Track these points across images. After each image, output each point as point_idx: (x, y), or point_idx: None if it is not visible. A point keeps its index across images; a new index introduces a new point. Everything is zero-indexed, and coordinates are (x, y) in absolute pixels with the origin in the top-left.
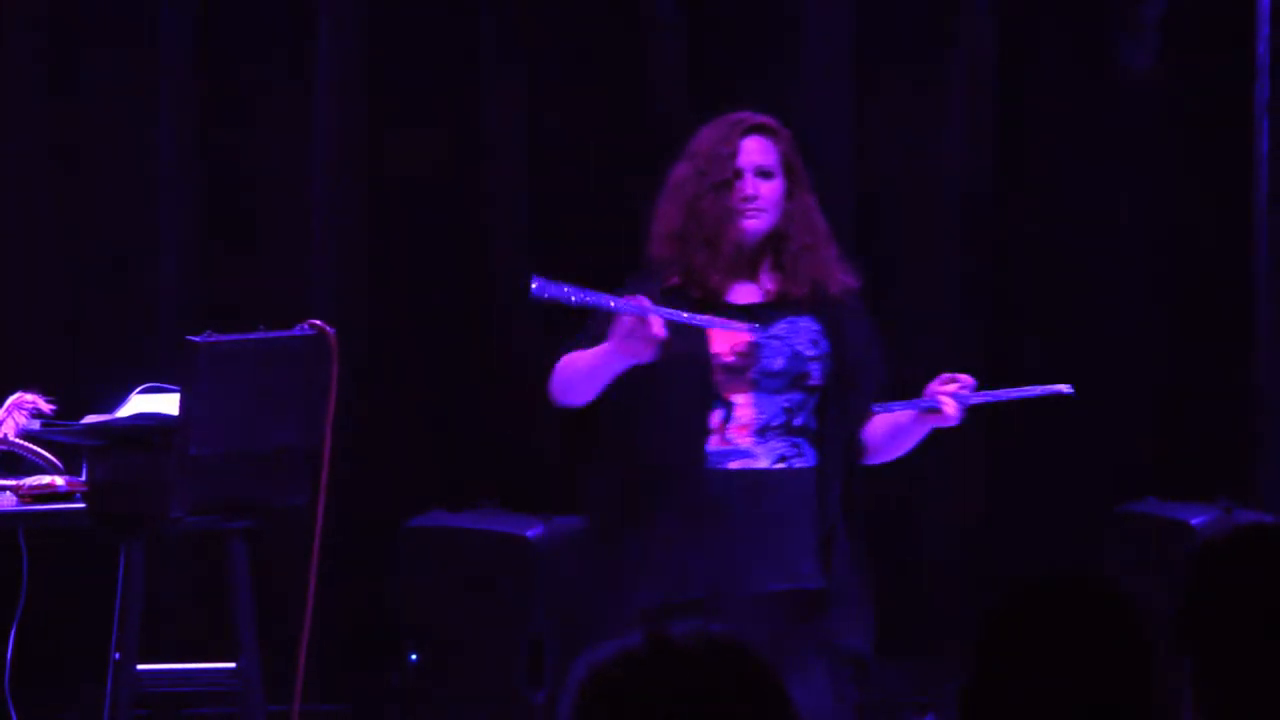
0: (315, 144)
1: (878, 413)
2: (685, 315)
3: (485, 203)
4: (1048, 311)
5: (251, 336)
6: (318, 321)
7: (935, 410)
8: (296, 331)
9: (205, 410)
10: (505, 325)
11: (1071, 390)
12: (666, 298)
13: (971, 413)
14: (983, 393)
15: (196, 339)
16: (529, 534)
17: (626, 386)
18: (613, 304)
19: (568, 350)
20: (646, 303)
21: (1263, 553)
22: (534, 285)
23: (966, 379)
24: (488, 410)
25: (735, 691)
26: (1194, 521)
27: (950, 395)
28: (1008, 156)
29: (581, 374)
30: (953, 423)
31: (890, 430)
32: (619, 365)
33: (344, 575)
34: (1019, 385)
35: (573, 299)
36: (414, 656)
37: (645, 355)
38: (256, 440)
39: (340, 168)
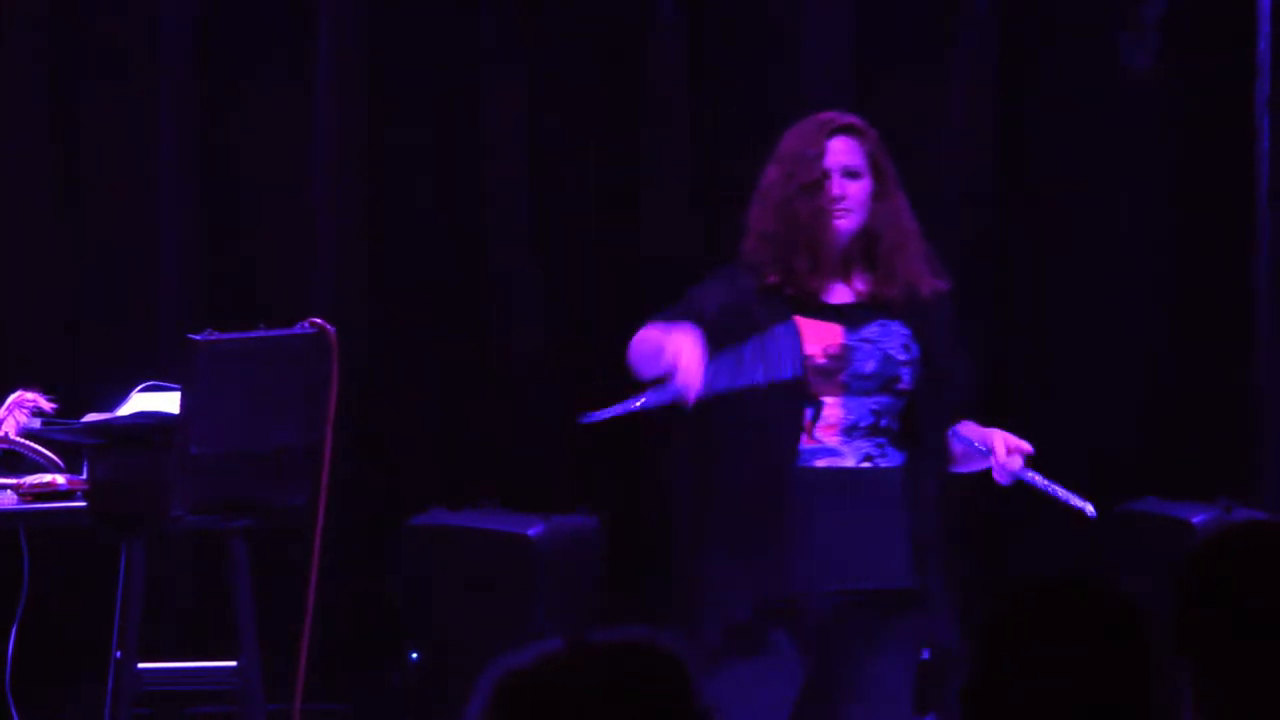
0: (315, 144)
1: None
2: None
3: (485, 202)
4: (1048, 311)
5: (252, 335)
6: (318, 320)
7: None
8: (297, 330)
9: (206, 409)
10: (505, 324)
11: (1094, 514)
12: (763, 295)
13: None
14: (1029, 473)
15: (197, 337)
16: (530, 533)
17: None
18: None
19: (655, 319)
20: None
21: (1258, 550)
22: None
23: (1025, 447)
24: (488, 409)
25: (649, 695)
26: (1194, 520)
27: (1004, 465)
28: (1008, 156)
29: (645, 354)
30: (1003, 483)
31: (964, 450)
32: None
33: (344, 574)
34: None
35: (636, 405)
36: (414, 655)
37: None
38: (257, 439)
39: (340, 168)
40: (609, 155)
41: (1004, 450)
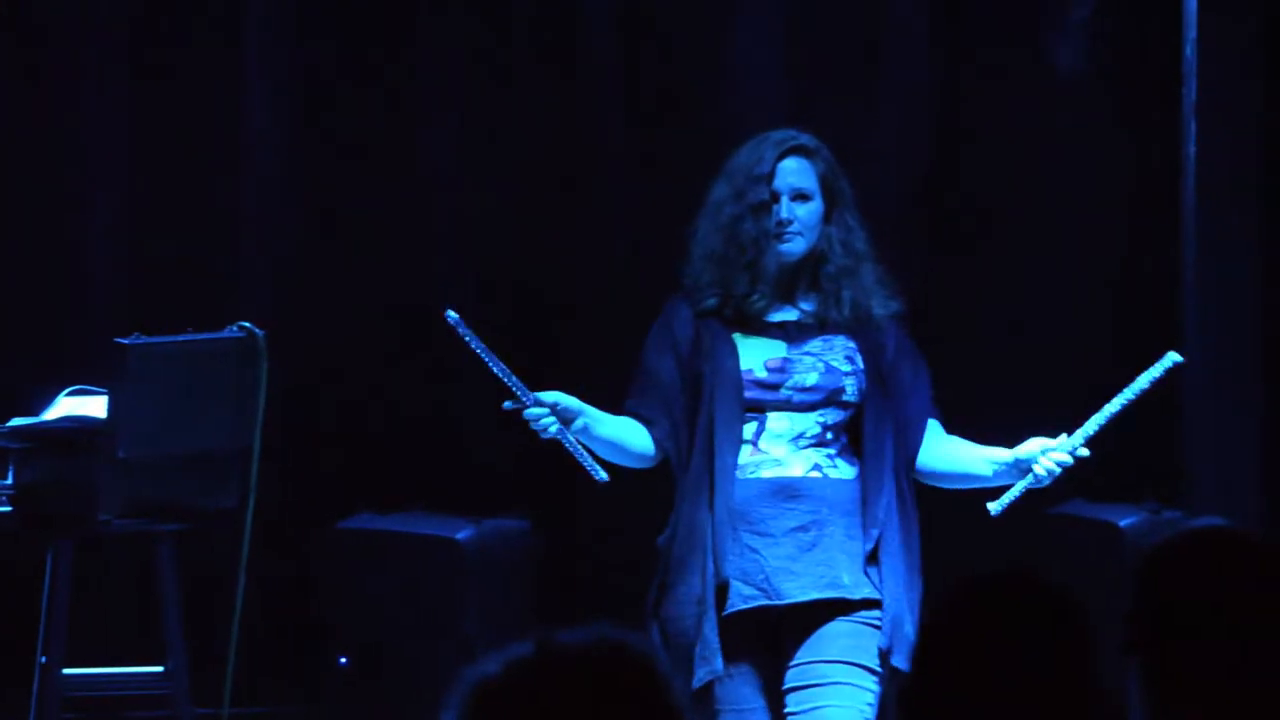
0: (247, 146)
1: (994, 514)
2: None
3: (416, 207)
4: (979, 317)
5: (180, 338)
6: (247, 323)
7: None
8: (225, 333)
9: (133, 412)
10: (432, 328)
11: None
12: (701, 321)
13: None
14: (1078, 440)
15: (125, 341)
16: (458, 536)
17: (679, 406)
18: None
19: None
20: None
21: (1214, 558)
22: (450, 315)
23: (1064, 444)
24: (415, 413)
25: (623, 695)
26: (1122, 523)
27: (1044, 462)
28: (940, 160)
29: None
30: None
31: (959, 473)
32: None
33: (272, 578)
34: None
35: (476, 349)
36: (343, 660)
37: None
38: (185, 442)
39: (274, 169)
40: (543, 173)
41: (1045, 463)
